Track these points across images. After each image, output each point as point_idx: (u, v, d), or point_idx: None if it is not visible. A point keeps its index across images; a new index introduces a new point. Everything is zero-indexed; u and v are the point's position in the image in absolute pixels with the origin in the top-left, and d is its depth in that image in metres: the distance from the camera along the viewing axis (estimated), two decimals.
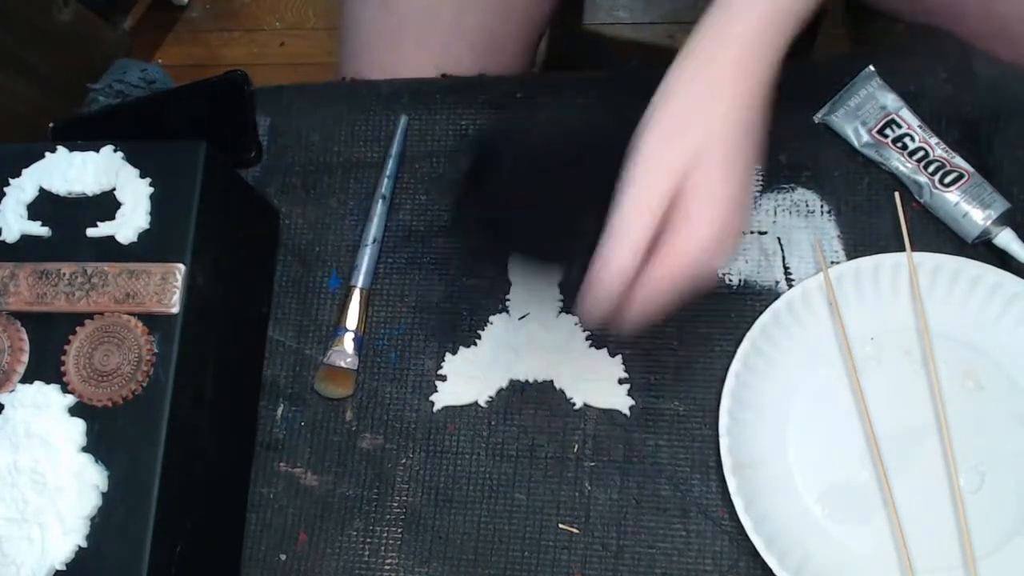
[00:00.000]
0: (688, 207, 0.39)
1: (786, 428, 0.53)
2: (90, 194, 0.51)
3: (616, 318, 0.41)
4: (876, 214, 0.56)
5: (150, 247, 0.50)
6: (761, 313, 0.54)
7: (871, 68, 0.57)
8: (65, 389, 0.48)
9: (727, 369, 0.53)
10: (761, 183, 0.58)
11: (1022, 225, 0.53)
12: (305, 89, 0.65)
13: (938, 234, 0.55)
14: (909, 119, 0.55)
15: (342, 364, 0.57)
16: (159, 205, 0.50)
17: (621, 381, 0.55)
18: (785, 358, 0.54)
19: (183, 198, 0.50)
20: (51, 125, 0.68)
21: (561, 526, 0.53)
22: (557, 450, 0.55)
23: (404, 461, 0.56)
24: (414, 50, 0.66)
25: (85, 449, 0.47)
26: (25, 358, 0.49)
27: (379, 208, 0.59)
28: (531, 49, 0.73)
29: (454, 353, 0.58)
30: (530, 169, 0.42)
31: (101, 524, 0.46)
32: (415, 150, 0.62)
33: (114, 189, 0.51)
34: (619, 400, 0.55)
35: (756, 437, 0.52)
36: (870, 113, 0.56)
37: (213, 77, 0.66)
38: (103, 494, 0.46)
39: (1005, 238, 0.53)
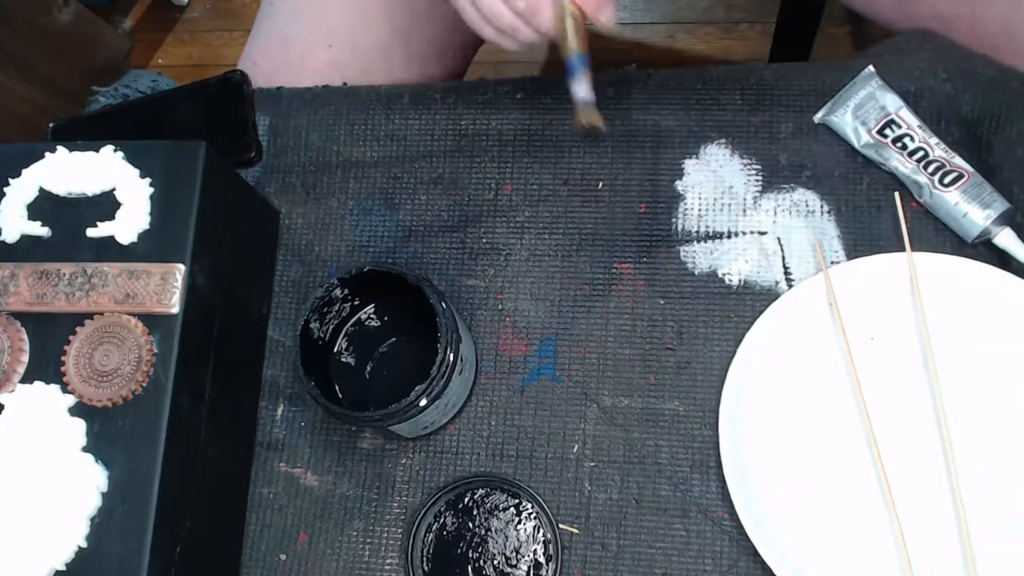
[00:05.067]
0: None
1: (786, 428, 0.53)
2: (90, 194, 0.51)
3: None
4: (876, 214, 0.56)
5: (150, 247, 0.50)
6: (761, 313, 0.54)
7: (871, 68, 0.57)
8: (65, 389, 0.48)
9: (727, 369, 0.53)
10: (761, 183, 0.58)
11: (1022, 225, 0.53)
12: (305, 90, 0.65)
13: (938, 234, 0.55)
14: (909, 119, 0.55)
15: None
16: (159, 205, 0.50)
17: None
18: (785, 358, 0.54)
19: (183, 198, 0.50)
20: (51, 125, 0.68)
21: (561, 526, 0.53)
22: (557, 450, 0.55)
23: (404, 461, 0.56)
24: (314, 24, 0.66)
25: (85, 449, 0.47)
26: (25, 358, 0.49)
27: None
28: (456, 54, 0.72)
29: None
30: None
31: (101, 524, 0.45)
32: (415, 150, 0.62)
33: (114, 189, 0.51)
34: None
35: (756, 437, 0.52)
36: (870, 113, 0.56)
37: (213, 77, 0.66)
38: (103, 494, 0.46)
39: (1005, 238, 0.53)
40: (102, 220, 0.50)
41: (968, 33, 0.57)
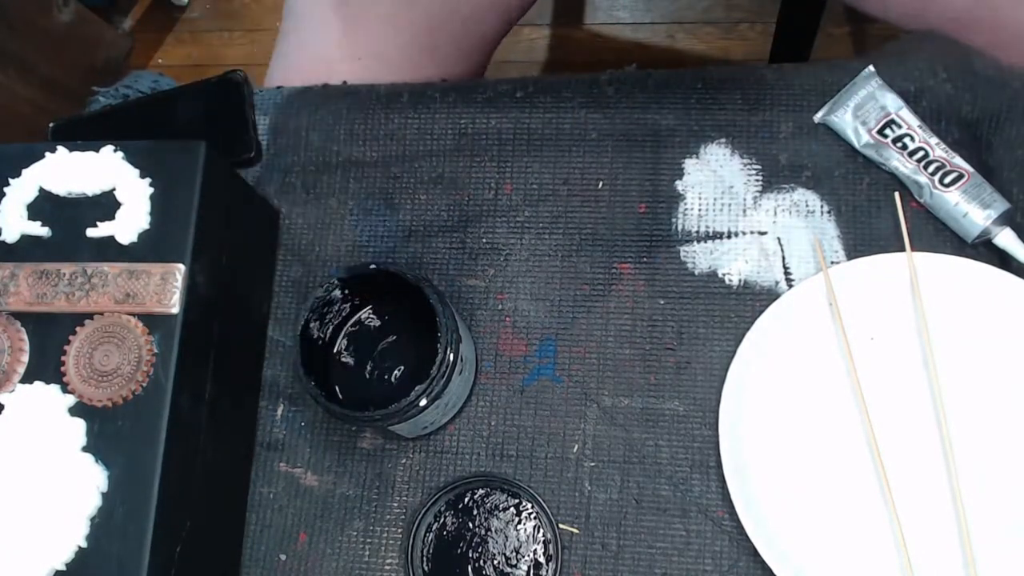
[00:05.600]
0: None
1: (786, 428, 0.53)
2: (90, 194, 0.51)
3: None
4: (876, 214, 0.56)
5: (150, 247, 0.50)
6: (761, 313, 0.54)
7: (871, 68, 0.57)
8: (65, 389, 0.48)
9: (727, 369, 0.53)
10: (761, 183, 0.58)
11: (1022, 225, 0.53)
12: (305, 89, 0.65)
13: (938, 234, 0.55)
14: (909, 119, 0.55)
15: None
16: (159, 205, 0.50)
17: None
18: (785, 358, 0.54)
19: (183, 198, 0.50)
20: (51, 125, 0.68)
21: (561, 526, 0.53)
22: (557, 450, 0.55)
23: (404, 461, 0.56)
24: (343, 38, 0.66)
25: (85, 449, 0.47)
26: (25, 358, 0.49)
27: None
28: (480, 52, 0.72)
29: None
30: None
31: (101, 524, 0.45)
32: (415, 150, 0.62)
33: (114, 189, 0.51)
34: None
35: (756, 437, 0.52)
36: (870, 113, 0.56)
37: (213, 77, 0.66)
38: (103, 494, 0.46)
39: (1005, 238, 0.53)
40: (102, 220, 0.50)
41: (989, 36, 0.57)
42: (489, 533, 0.53)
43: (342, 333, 0.56)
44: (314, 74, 0.66)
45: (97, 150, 0.52)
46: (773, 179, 0.58)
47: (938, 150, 0.54)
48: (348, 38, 0.66)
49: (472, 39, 0.71)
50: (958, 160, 0.54)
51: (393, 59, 0.67)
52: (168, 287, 0.49)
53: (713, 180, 0.58)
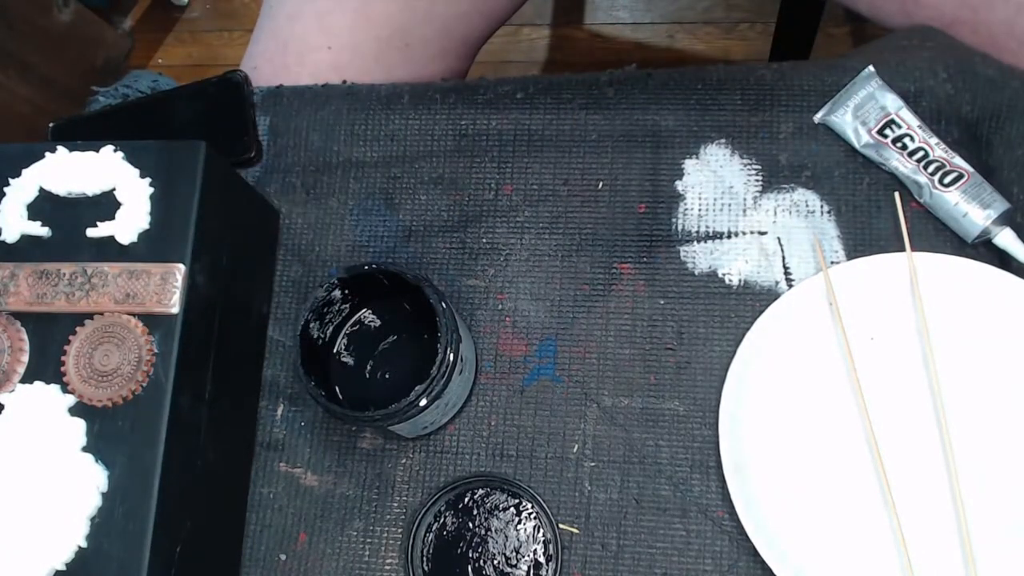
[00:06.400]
0: None
1: (786, 428, 0.53)
2: (90, 194, 0.51)
3: None
4: (876, 214, 0.56)
5: (150, 247, 0.50)
6: (761, 313, 0.54)
7: (871, 68, 0.57)
8: (65, 389, 0.48)
9: (727, 369, 0.53)
10: (761, 183, 0.58)
11: (1022, 225, 0.53)
12: (305, 89, 0.65)
13: (938, 234, 0.55)
14: (909, 119, 0.55)
15: None
16: (159, 205, 0.50)
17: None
18: (785, 358, 0.54)
19: (183, 198, 0.50)
20: (51, 125, 0.68)
21: (561, 526, 0.53)
22: (557, 450, 0.55)
23: (404, 461, 0.56)
24: (314, 27, 0.66)
25: (85, 449, 0.47)
26: (25, 358, 0.49)
27: None
28: (457, 54, 0.72)
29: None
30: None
31: (101, 524, 0.45)
32: (415, 150, 0.62)
33: (114, 189, 0.51)
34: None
35: (756, 437, 0.52)
36: (870, 113, 0.56)
37: (213, 77, 0.66)
38: (103, 494, 0.46)
39: (1005, 238, 0.53)
40: (102, 220, 0.50)
41: (971, 37, 0.57)
42: (489, 533, 0.53)
43: (342, 333, 0.56)
44: (283, 61, 0.66)
45: (97, 150, 0.52)
46: (773, 179, 0.58)
47: (938, 150, 0.54)
48: (320, 27, 0.66)
49: (452, 38, 0.70)
50: (958, 160, 0.54)
51: (365, 52, 0.66)
52: (168, 287, 0.49)
53: (713, 180, 0.58)
